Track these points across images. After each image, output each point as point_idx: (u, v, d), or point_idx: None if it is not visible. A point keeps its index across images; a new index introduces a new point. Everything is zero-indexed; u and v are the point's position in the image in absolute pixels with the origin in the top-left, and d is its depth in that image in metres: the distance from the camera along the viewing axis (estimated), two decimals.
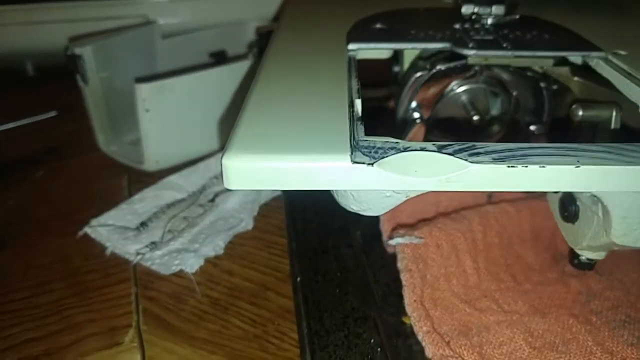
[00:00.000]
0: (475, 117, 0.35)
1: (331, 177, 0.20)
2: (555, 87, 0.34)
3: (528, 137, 0.35)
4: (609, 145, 0.21)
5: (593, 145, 0.21)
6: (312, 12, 0.41)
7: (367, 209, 0.24)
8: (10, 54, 0.55)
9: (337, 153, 0.20)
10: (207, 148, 0.45)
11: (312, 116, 0.23)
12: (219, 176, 0.42)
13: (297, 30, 0.36)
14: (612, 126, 0.29)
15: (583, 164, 0.20)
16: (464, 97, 0.35)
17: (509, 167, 0.20)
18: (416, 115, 0.34)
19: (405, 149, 0.21)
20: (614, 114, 0.29)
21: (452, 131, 0.37)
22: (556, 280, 0.32)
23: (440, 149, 0.21)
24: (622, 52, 0.31)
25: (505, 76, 0.34)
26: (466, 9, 0.33)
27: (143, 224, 0.36)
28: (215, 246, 0.34)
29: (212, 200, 0.39)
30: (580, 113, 0.29)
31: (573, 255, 0.30)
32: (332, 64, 0.30)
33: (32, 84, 0.60)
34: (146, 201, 0.39)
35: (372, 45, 0.32)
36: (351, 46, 0.32)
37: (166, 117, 0.41)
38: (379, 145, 0.21)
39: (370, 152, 0.21)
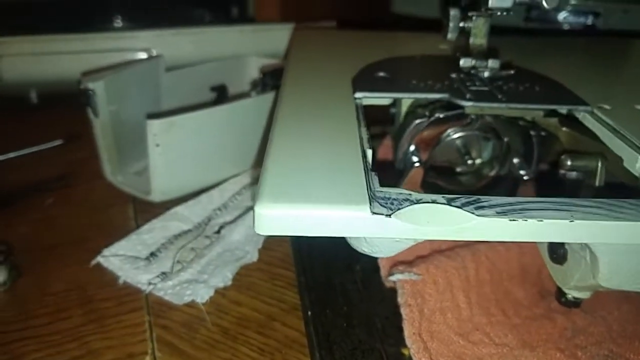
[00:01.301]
0: (469, 161, 0.38)
1: (352, 225, 0.22)
2: (544, 135, 0.37)
3: (518, 181, 0.38)
4: (599, 201, 0.24)
5: (585, 200, 0.24)
6: (317, 57, 0.43)
7: (378, 252, 0.26)
8: (16, 84, 0.56)
9: (358, 204, 0.22)
10: (210, 180, 0.47)
11: (331, 166, 0.25)
12: (222, 207, 0.44)
13: (305, 77, 0.39)
14: (598, 176, 0.32)
15: (577, 219, 0.23)
16: (459, 142, 0.38)
17: (510, 220, 0.22)
18: (415, 159, 0.36)
19: (418, 201, 0.23)
20: (600, 165, 0.32)
21: (447, 173, 0.40)
22: (543, 316, 0.34)
23: (449, 202, 0.23)
24: (607, 107, 0.34)
25: (498, 124, 0.37)
26: (464, 62, 0.36)
27: (153, 254, 0.38)
28: (224, 277, 0.36)
29: (218, 232, 0.41)
30: (569, 163, 0.32)
31: (560, 294, 0.32)
32: (343, 112, 0.32)
33: (35, 112, 0.61)
34: (154, 232, 0.40)
35: (376, 94, 0.35)
36: (358, 94, 0.35)
37: (174, 151, 0.42)
38: (394, 196, 0.23)
39: (386, 204, 0.23)
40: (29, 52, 0.55)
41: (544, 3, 0.33)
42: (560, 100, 0.35)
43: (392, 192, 0.24)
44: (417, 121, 0.36)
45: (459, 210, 0.23)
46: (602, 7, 0.76)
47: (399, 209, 0.23)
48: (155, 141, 0.41)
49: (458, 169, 0.40)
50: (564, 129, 0.36)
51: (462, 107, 0.34)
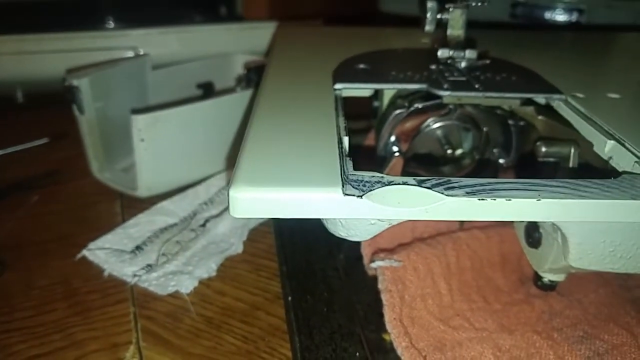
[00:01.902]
0: (449, 151, 0.39)
1: (325, 207, 0.23)
2: (521, 124, 0.38)
3: (497, 170, 0.38)
4: (565, 181, 0.25)
5: (552, 180, 0.25)
6: (300, 51, 0.44)
7: (354, 235, 0.27)
8: (2, 83, 0.57)
9: (330, 186, 0.23)
10: (196, 175, 0.47)
11: (306, 152, 0.26)
12: (208, 202, 0.45)
13: (287, 70, 0.39)
14: (571, 161, 0.32)
15: (543, 198, 0.23)
16: (438, 133, 0.38)
17: (479, 199, 0.23)
18: (395, 149, 0.37)
19: (390, 183, 0.24)
20: (573, 151, 0.32)
21: (428, 163, 0.40)
22: (522, 301, 0.35)
23: (420, 183, 0.24)
24: (580, 95, 0.35)
25: (476, 114, 0.38)
26: (442, 53, 0.37)
27: (138, 248, 0.38)
28: (208, 268, 0.37)
29: (204, 225, 0.41)
30: (544, 149, 0.33)
31: (537, 278, 0.33)
32: (322, 102, 0.33)
33: (21, 111, 0.61)
34: (140, 226, 0.41)
35: (356, 85, 0.36)
36: (337, 85, 0.35)
37: (159, 146, 0.43)
38: (366, 179, 0.24)
39: (359, 186, 0.23)
40: (15, 51, 0.56)
41: None
42: (536, 89, 0.36)
43: (365, 174, 0.24)
44: (397, 112, 0.37)
45: (429, 191, 0.23)
46: (586, 4, 0.78)
47: (370, 190, 0.23)
48: (140, 136, 0.42)
49: (438, 159, 0.41)
50: (540, 117, 0.36)
51: (440, 97, 0.35)
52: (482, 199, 0.23)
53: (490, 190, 0.24)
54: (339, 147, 0.27)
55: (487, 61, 0.37)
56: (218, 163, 0.48)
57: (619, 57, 0.48)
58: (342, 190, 0.23)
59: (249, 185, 0.23)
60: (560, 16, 0.81)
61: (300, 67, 0.40)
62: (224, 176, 0.48)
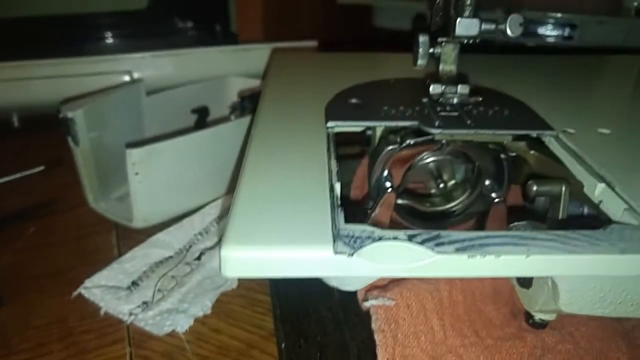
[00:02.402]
0: (441, 185, 0.39)
1: (317, 266, 0.23)
2: (513, 158, 0.38)
3: (490, 204, 0.38)
4: (555, 233, 0.25)
5: (541, 233, 0.25)
6: (294, 82, 0.44)
7: (347, 285, 0.27)
8: None
9: (321, 244, 0.23)
10: (192, 204, 0.47)
11: (297, 204, 0.26)
12: (203, 232, 0.45)
13: (280, 103, 0.39)
14: (562, 200, 0.33)
15: (532, 254, 0.24)
16: (431, 167, 0.39)
17: (469, 257, 0.23)
18: (388, 184, 0.37)
19: (380, 238, 0.24)
20: (564, 190, 0.33)
21: (420, 196, 0.41)
22: (514, 335, 0.35)
23: (410, 239, 0.24)
24: (571, 131, 0.35)
25: (468, 148, 0.38)
26: (434, 89, 0.37)
27: (134, 283, 0.38)
28: (203, 306, 0.37)
29: (199, 258, 0.41)
30: (535, 189, 0.33)
31: (528, 316, 0.33)
32: (314, 143, 0.33)
33: (17, 135, 0.61)
34: (136, 260, 0.41)
35: (348, 123, 0.36)
36: (330, 124, 0.36)
37: (154, 178, 0.43)
38: (357, 234, 0.24)
39: (349, 242, 0.24)
40: (10, 78, 0.56)
41: (508, 31, 0.34)
42: (528, 125, 0.36)
43: (356, 229, 0.24)
44: (389, 148, 0.37)
45: (419, 247, 0.24)
46: (579, 19, 0.78)
47: (361, 247, 0.23)
48: (135, 170, 0.42)
49: (430, 191, 0.41)
50: (531, 152, 0.37)
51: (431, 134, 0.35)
52: (472, 256, 0.23)
53: (479, 245, 0.24)
54: (330, 196, 0.27)
55: (479, 98, 0.37)
56: (213, 191, 0.49)
57: (609, 84, 0.48)
58: (333, 248, 0.23)
59: (240, 244, 0.23)
60: (553, 31, 0.81)
61: (294, 101, 0.40)
62: (219, 204, 0.48)
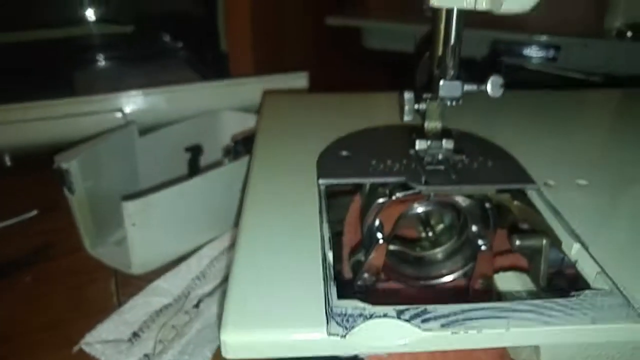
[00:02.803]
0: (430, 234, 0.41)
1: (311, 346, 0.25)
2: (498, 206, 0.40)
3: (476, 251, 0.40)
4: (533, 304, 0.27)
5: (521, 304, 0.27)
6: (286, 130, 0.45)
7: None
8: None
9: (315, 326, 0.25)
10: (189, 246, 0.49)
11: (291, 281, 0.27)
12: (200, 276, 0.46)
13: (273, 156, 0.41)
14: (543, 254, 0.34)
15: (512, 326, 0.25)
16: (419, 217, 0.40)
17: (452, 333, 0.25)
18: (379, 235, 0.38)
19: (371, 316, 0.25)
20: (544, 244, 0.34)
21: (409, 243, 0.42)
22: None
23: (399, 315, 0.26)
24: (551, 182, 0.37)
25: (454, 199, 0.39)
26: (420, 145, 0.39)
27: (135, 335, 0.40)
28: (203, 357, 0.38)
29: (197, 305, 0.43)
30: (517, 243, 0.35)
31: None
32: (306, 204, 0.34)
33: (9, 176, 0.62)
34: (136, 309, 0.42)
35: (338, 180, 0.38)
36: (322, 181, 0.37)
37: (151, 227, 0.44)
38: (349, 311, 0.26)
39: (342, 322, 0.25)
40: (2, 120, 0.57)
41: (490, 92, 0.36)
42: (511, 178, 0.38)
43: (348, 305, 0.26)
44: (380, 201, 0.38)
45: (407, 324, 0.25)
46: (562, 41, 0.80)
47: (353, 326, 0.25)
48: (132, 221, 0.43)
49: (419, 236, 0.43)
50: (515, 202, 0.38)
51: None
52: (455, 332, 0.25)
53: (463, 320, 0.25)
54: (323, 268, 0.28)
55: (463, 157, 0.39)
56: (209, 232, 0.50)
57: (588, 124, 0.49)
58: (327, 329, 0.24)
59: (238, 329, 0.24)
60: (537, 52, 0.83)
61: (286, 152, 0.42)
62: (214, 245, 0.50)
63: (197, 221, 0.49)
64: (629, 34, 0.78)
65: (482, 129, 0.45)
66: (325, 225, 0.33)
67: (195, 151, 0.57)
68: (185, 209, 0.47)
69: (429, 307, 0.26)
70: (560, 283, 0.35)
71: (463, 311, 0.26)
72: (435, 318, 0.26)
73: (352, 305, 0.26)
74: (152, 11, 0.89)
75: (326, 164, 0.39)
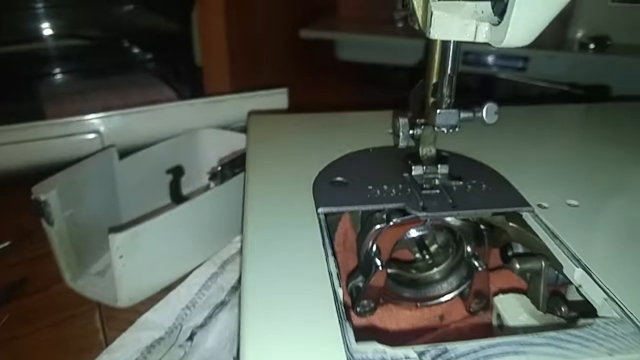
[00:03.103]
0: (427, 257, 0.41)
1: None
2: (493, 227, 0.40)
3: (472, 272, 0.40)
4: (549, 336, 0.27)
5: (538, 337, 0.27)
6: (276, 155, 0.44)
7: None
8: None
9: None
10: (177, 274, 0.47)
11: (306, 324, 0.27)
12: (190, 306, 0.45)
13: (267, 185, 0.40)
14: (543, 276, 0.35)
15: None
16: (416, 240, 0.40)
17: None
18: (378, 262, 0.38)
19: None
20: (543, 266, 0.35)
21: (405, 265, 0.42)
22: None
23: (420, 357, 0.25)
24: (545, 205, 0.38)
25: (450, 222, 0.40)
26: (416, 171, 0.39)
27: None
28: None
29: (191, 338, 0.41)
30: (518, 267, 0.35)
31: None
32: (307, 235, 0.34)
33: None
34: (126, 347, 0.40)
35: (337, 208, 0.37)
36: (320, 210, 0.36)
37: (138, 258, 0.43)
38: (370, 356, 0.25)
39: None
40: None
41: (485, 119, 0.36)
42: (506, 201, 0.38)
43: (369, 350, 0.25)
44: (377, 227, 0.38)
45: None
46: (530, 53, 0.82)
47: None
48: (119, 253, 0.41)
49: (415, 257, 0.43)
50: (510, 224, 0.39)
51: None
52: None
53: (483, 357, 0.25)
54: (336, 306, 0.28)
55: (460, 182, 0.39)
56: (197, 258, 0.49)
57: (572, 140, 0.51)
58: None
59: None
60: (507, 62, 0.86)
61: (280, 180, 0.41)
62: (201, 271, 0.48)
63: (185, 248, 0.47)
64: (592, 46, 0.81)
65: (470, 149, 0.45)
66: (332, 259, 0.32)
67: (176, 172, 0.55)
68: (174, 237, 0.45)
69: (449, 345, 0.26)
70: (559, 302, 0.35)
71: (482, 348, 0.26)
72: (457, 357, 0.25)
73: (372, 349, 0.26)
74: (121, 24, 0.86)
75: (322, 191, 0.39)
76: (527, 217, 0.37)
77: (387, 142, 0.47)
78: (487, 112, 0.36)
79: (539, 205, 0.38)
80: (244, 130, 0.64)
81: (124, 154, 0.54)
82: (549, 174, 0.43)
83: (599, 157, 0.47)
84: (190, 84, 0.81)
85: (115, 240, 0.41)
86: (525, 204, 0.38)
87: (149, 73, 0.87)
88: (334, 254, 0.33)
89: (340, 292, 0.29)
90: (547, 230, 0.36)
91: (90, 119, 0.56)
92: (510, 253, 0.39)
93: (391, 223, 0.38)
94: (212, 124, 0.61)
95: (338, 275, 0.31)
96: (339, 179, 0.40)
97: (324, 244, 0.33)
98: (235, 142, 0.60)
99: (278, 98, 0.64)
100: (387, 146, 0.46)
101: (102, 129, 0.57)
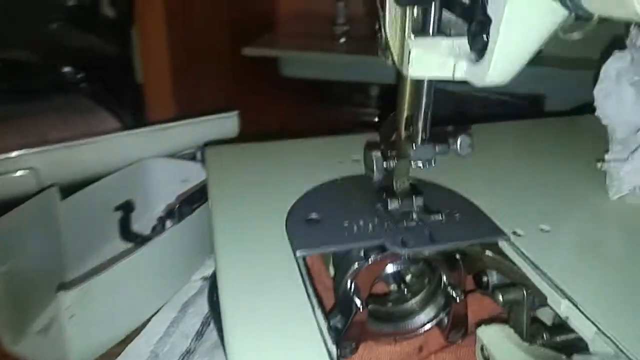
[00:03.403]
0: (405, 290, 0.40)
1: None
2: (467, 256, 0.40)
3: (449, 301, 0.40)
4: None
5: None
6: (240, 192, 0.42)
7: None
8: None
9: None
10: (134, 325, 0.43)
11: None
12: (152, 358, 0.41)
13: (236, 227, 0.37)
14: (525, 306, 0.35)
15: None
16: (394, 274, 0.39)
17: None
18: (358, 302, 0.36)
19: None
20: (525, 296, 0.35)
21: (381, 298, 0.41)
22: None
23: None
24: (520, 232, 0.38)
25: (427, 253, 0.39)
26: (392, 206, 0.37)
27: None
28: None
29: None
30: (501, 299, 0.35)
31: None
32: (289, 285, 0.32)
33: None
34: None
35: (316, 250, 0.35)
36: (299, 253, 0.34)
37: (91, 316, 0.38)
38: None
39: None
40: None
41: (459, 152, 0.35)
42: (481, 231, 0.38)
43: None
44: (356, 266, 0.36)
45: None
46: None
47: None
48: (69, 313, 0.37)
49: (390, 289, 0.42)
50: (487, 253, 0.39)
51: None
52: None
53: None
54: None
55: (439, 216, 0.38)
56: (154, 304, 0.45)
57: (533, 159, 0.51)
58: None
59: None
60: None
61: (249, 219, 0.38)
62: (161, 318, 0.45)
63: (141, 295, 0.43)
64: None
65: (438, 174, 0.44)
66: (319, 312, 0.30)
67: (126, 209, 0.51)
68: (129, 286, 0.41)
69: None
70: (540, 330, 0.35)
71: None
72: None
73: None
74: (51, 43, 0.80)
75: (297, 231, 0.37)
76: (504, 245, 0.37)
77: (353, 170, 0.45)
78: (461, 145, 0.35)
79: (514, 233, 0.38)
80: (193, 157, 0.60)
81: (65, 191, 0.49)
82: (519, 198, 0.43)
83: (558, 175, 0.47)
84: (130, 104, 0.76)
85: (65, 299, 0.36)
86: (500, 232, 0.38)
87: (82, 94, 0.81)
88: (320, 304, 0.31)
89: (334, 349, 0.28)
90: (525, 258, 0.35)
91: (27, 154, 0.50)
92: (485, 279, 0.39)
93: (370, 261, 0.37)
94: (161, 152, 0.57)
95: (328, 329, 0.29)
96: (312, 215, 0.38)
97: (307, 294, 0.31)
98: (187, 170, 0.57)
99: (228, 122, 0.61)
100: (356, 175, 0.45)
101: (39, 165, 0.51)
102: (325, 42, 0.89)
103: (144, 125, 0.61)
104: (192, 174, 0.56)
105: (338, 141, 0.51)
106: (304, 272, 0.33)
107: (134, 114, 0.75)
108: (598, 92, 0.45)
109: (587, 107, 0.47)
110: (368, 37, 0.90)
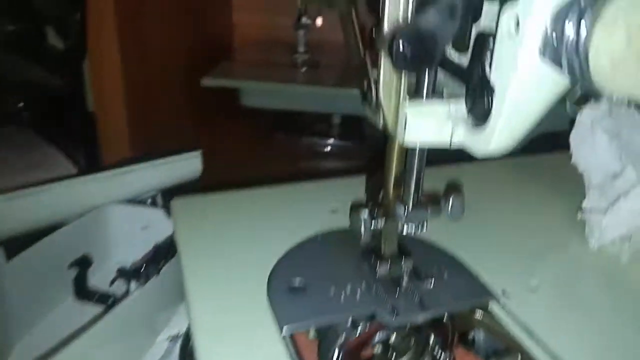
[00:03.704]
0: (389, 352, 0.38)
1: None
2: (455, 317, 0.39)
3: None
4: None
5: None
6: (212, 253, 0.39)
7: None
8: None
9: None
10: None
11: None
12: None
13: (211, 298, 0.35)
14: None
15: None
16: (383, 341, 0.37)
17: None
18: None
19: None
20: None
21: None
22: None
23: None
24: (509, 290, 0.37)
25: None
26: (381, 271, 0.36)
27: None
28: None
29: None
30: None
31: None
32: None
33: None
34: None
35: (303, 323, 0.33)
36: (286, 330, 0.32)
37: None
38: None
39: None
40: None
41: (451, 216, 0.34)
42: (470, 293, 0.37)
43: None
44: (343, 337, 0.34)
45: None
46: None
47: None
48: None
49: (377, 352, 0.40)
50: (476, 317, 0.37)
51: None
52: None
53: None
54: None
55: (429, 283, 0.37)
56: None
57: (508, 202, 0.51)
58: None
59: None
60: None
61: (228, 291, 0.36)
62: None
63: None
64: None
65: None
66: None
67: (82, 264, 0.47)
68: (96, 357, 0.37)
69: None
70: None
71: None
72: None
73: None
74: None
75: (281, 301, 0.34)
76: (494, 308, 0.36)
77: (331, 223, 0.43)
78: (453, 208, 0.34)
79: (503, 292, 0.37)
80: (154, 202, 0.57)
81: (10, 246, 0.44)
82: (502, 249, 0.42)
83: (541, 221, 0.47)
84: (80, 137, 0.70)
85: None
86: (489, 293, 0.37)
87: (24, 125, 0.75)
88: None
89: None
90: (516, 321, 0.35)
91: None
92: (471, 337, 0.38)
93: (359, 331, 0.35)
94: (118, 197, 0.53)
95: None
96: (296, 283, 0.36)
97: None
98: (147, 216, 0.53)
99: (191, 162, 0.58)
100: (335, 230, 0.42)
101: None
102: (286, 72, 0.87)
103: (96, 163, 0.57)
104: (153, 221, 0.52)
105: (317, 187, 0.49)
106: (293, 354, 0.31)
107: (83, 147, 0.70)
108: (573, 138, 0.46)
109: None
110: (329, 66, 0.89)
